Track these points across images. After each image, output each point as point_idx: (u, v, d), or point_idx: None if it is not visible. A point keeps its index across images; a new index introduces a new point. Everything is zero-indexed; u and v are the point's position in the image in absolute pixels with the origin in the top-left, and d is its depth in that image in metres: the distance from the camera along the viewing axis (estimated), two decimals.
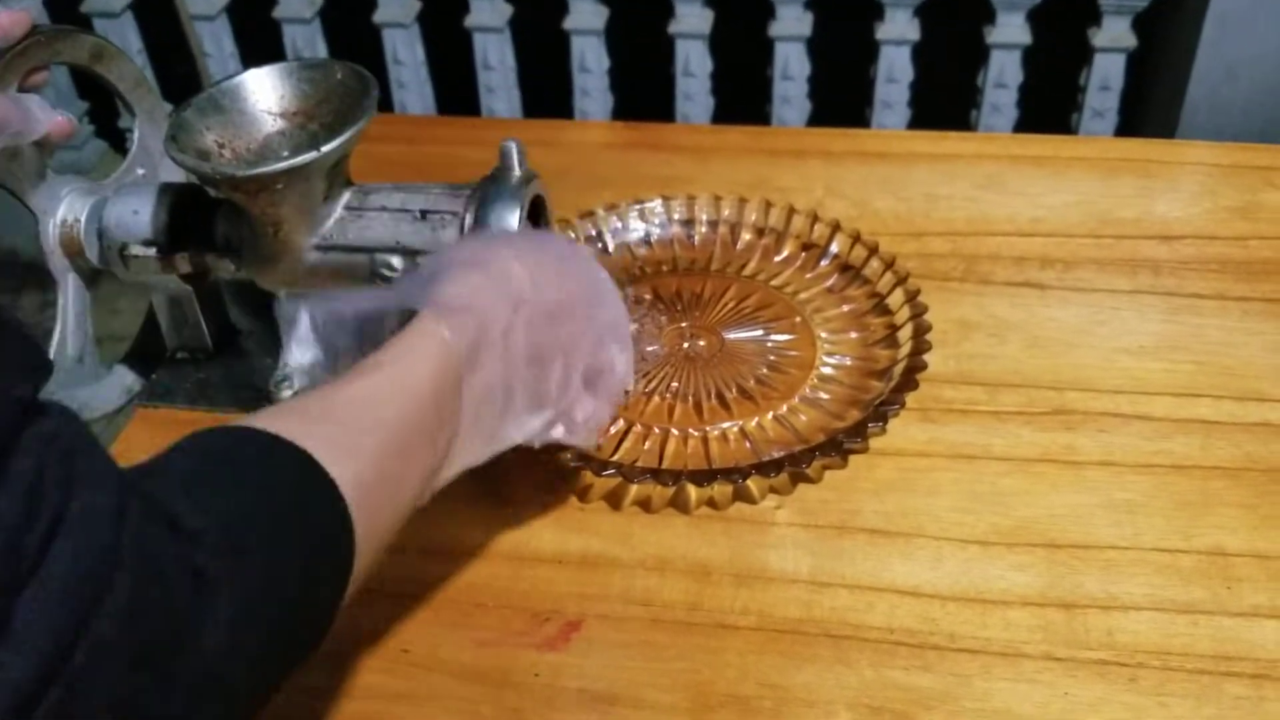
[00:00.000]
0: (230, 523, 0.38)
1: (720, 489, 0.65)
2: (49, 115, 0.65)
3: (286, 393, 0.71)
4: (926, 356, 0.68)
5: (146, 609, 0.33)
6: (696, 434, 0.68)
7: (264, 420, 0.43)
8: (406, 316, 0.51)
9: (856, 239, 0.78)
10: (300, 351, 0.53)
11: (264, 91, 0.66)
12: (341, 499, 0.42)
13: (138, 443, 0.71)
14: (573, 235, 0.80)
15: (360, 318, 0.52)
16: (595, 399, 0.59)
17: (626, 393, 0.65)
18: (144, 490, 0.35)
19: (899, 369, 0.68)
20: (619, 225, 0.82)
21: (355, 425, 0.45)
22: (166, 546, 0.35)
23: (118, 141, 1.90)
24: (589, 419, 0.58)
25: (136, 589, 0.33)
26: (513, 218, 0.63)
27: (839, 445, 0.64)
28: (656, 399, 0.70)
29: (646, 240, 0.82)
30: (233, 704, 0.38)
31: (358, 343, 0.52)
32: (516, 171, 0.65)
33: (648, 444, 0.68)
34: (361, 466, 0.43)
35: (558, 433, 0.57)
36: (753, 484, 0.64)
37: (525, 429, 0.55)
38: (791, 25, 1.54)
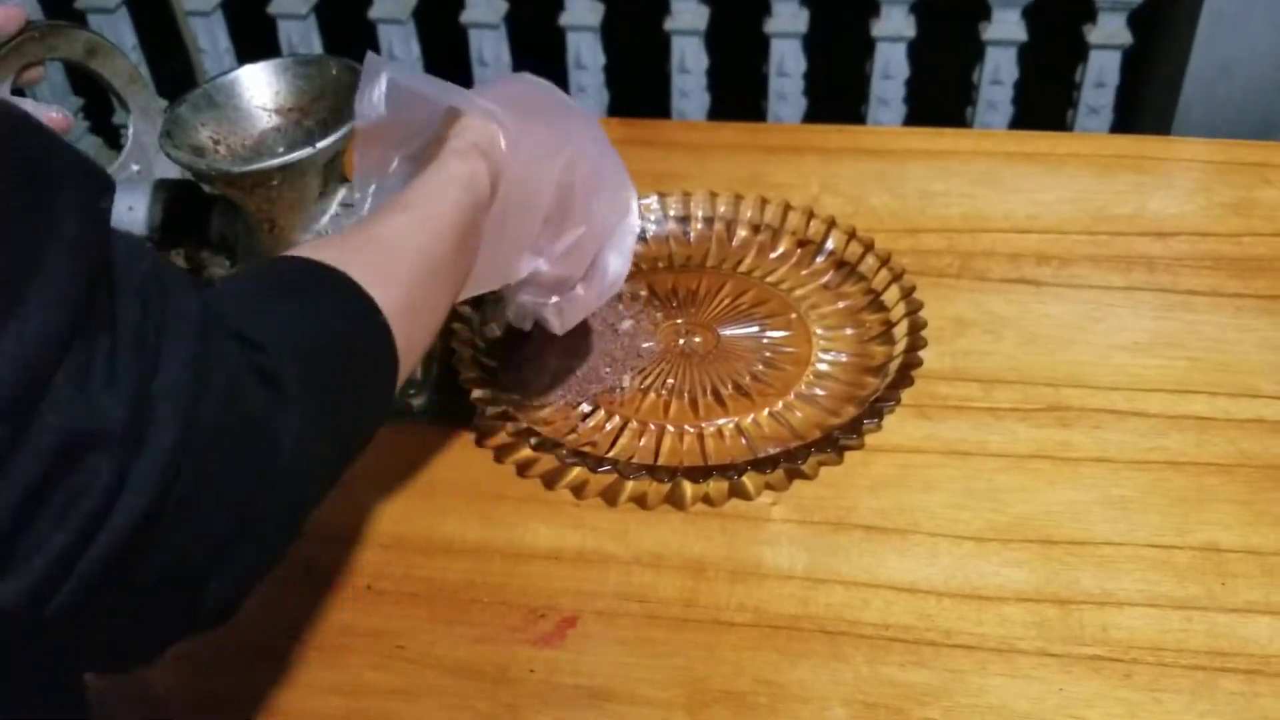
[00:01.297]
0: (293, 337, 0.42)
1: (716, 485, 0.65)
2: (41, 116, 0.64)
3: None
4: (922, 353, 0.68)
5: (236, 403, 0.37)
6: (692, 430, 0.68)
7: (310, 250, 0.47)
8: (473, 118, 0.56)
9: (852, 235, 0.78)
10: (368, 104, 0.56)
11: (259, 87, 0.66)
12: (382, 316, 0.46)
13: None
14: None
15: (431, 101, 0.56)
16: (589, 286, 0.63)
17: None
18: (216, 311, 0.39)
19: (894, 365, 0.68)
20: None
21: (391, 255, 0.49)
22: (241, 358, 0.38)
23: (112, 138, 1.90)
24: (579, 301, 0.63)
25: (228, 385, 0.37)
26: None
27: (834, 442, 0.64)
28: (652, 395, 0.70)
29: (642, 237, 0.82)
30: (303, 491, 0.42)
31: (419, 120, 0.57)
32: None
33: (643, 440, 0.68)
34: (398, 291, 0.48)
35: (546, 309, 0.63)
36: (748, 480, 0.65)
37: (525, 268, 0.60)
38: (787, 22, 1.54)
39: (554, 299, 0.63)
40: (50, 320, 0.31)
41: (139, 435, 0.33)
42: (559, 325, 0.64)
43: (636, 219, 0.65)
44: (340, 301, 0.46)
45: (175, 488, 0.34)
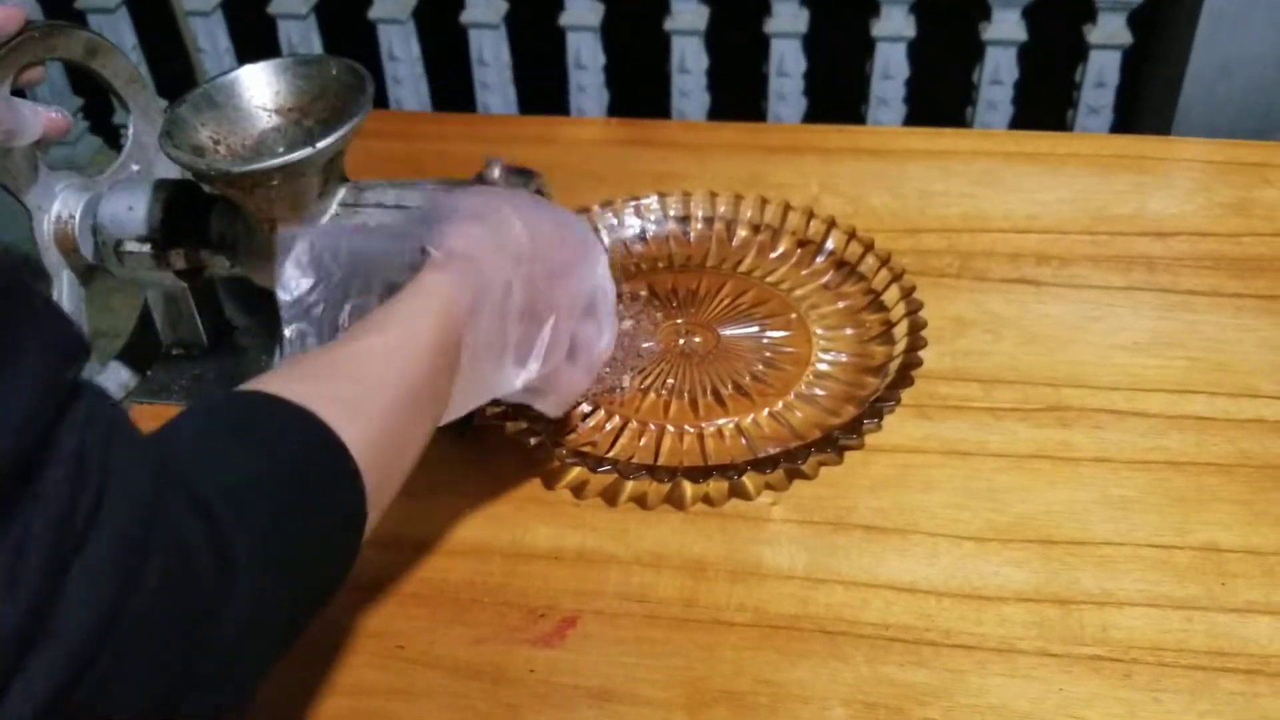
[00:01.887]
0: (244, 495, 0.39)
1: (716, 485, 0.65)
2: (40, 119, 0.64)
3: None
4: (922, 353, 0.68)
5: (176, 588, 0.35)
6: (692, 430, 0.68)
7: (273, 383, 0.44)
8: (402, 257, 0.52)
9: (852, 235, 0.78)
10: (295, 278, 0.53)
11: (259, 87, 0.66)
12: (352, 460, 0.43)
13: None
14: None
15: (356, 254, 0.54)
16: (575, 368, 0.60)
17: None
18: (169, 463, 0.37)
19: (894, 365, 0.68)
20: (615, 222, 0.82)
21: (363, 385, 0.46)
22: (194, 525, 0.36)
23: (112, 137, 1.90)
24: (568, 386, 0.60)
25: (169, 568, 0.34)
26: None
27: (834, 442, 0.64)
28: (652, 395, 0.70)
29: (642, 237, 0.82)
30: (255, 663, 0.40)
31: (352, 277, 0.54)
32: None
33: (643, 440, 0.68)
34: (370, 427, 0.45)
35: (538, 400, 0.59)
36: (748, 480, 0.65)
37: (511, 383, 0.56)
38: (787, 22, 1.54)
39: (550, 396, 0.60)
40: None
41: (34, 640, 0.30)
42: (557, 413, 0.62)
43: (608, 279, 0.61)
44: (306, 446, 0.42)
45: (84, 683, 0.32)
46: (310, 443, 0.42)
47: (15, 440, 0.30)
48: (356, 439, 0.43)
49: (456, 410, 0.53)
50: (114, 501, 0.33)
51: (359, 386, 0.46)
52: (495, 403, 0.66)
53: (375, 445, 0.44)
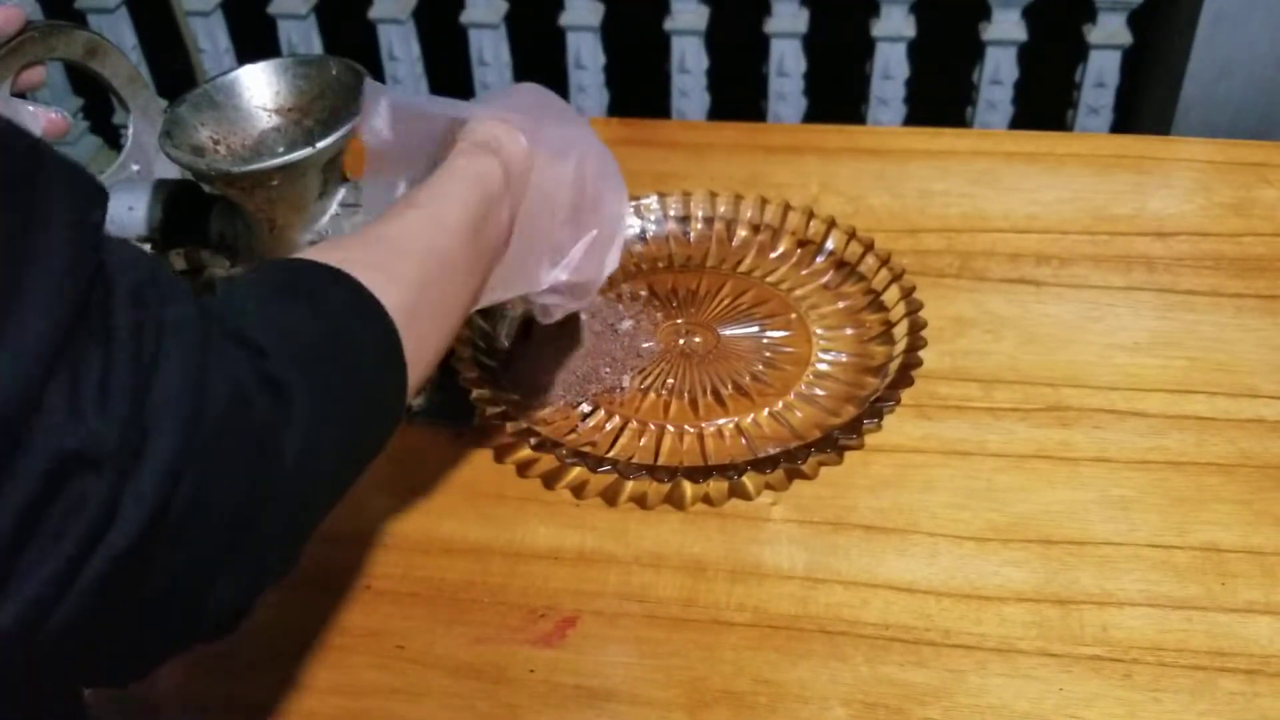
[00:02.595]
0: (298, 340, 0.41)
1: (716, 485, 0.65)
2: (39, 121, 0.64)
3: None
4: (922, 353, 0.68)
5: (239, 412, 0.36)
6: (692, 430, 0.68)
7: (315, 253, 0.46)
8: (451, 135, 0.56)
9: (852, 235, 0.78)
10: (372, 130, 0.56)
11: (259, 87, 0.66)
12: (391, 320, 0.45)
13: None
14: None
15: (435, 117, 0.57)
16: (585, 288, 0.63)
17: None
18: (217, 314, 0.39)
19: (894, 365, 0.68)
20: None
21: (399, 255, 0.48)
22: (243, 362, 0.38)
23: (112, 138, 1.90)
24: (567, 299, 0.62)
25: (232, 393, 0.36)
26: None
27: (834, 442, 0.64)
28: (652, 395, 0.70)
29: (642, 236, 0.82)
30: (310, 502, 0.42)
31: (424, 139, 0.57)
32: None
33: (643, 440, 0.68)
34: (406, 292, 0.47)
35: (554, 301, 0.62)
36: (748, 480, 0.65)
37: (540, 283, 0.59)
38: (787, 22, 1.54)
39: (570, 302, 0.62)
40: (38, 340, 0.31)
41: (134, 453, 0.32)
42: (549, 319, 0.64)
43: (629, 217, 0.65)
44: (345, 303, 0.45)
45: (174, 502, 0.33)
46: (351, 301, 0.45)
47: (74, 281, 0.32)
48: (393, 301, 0.45)
49: (494, 295, 0.56)
50: (173, 331, 0.35)
51: (394, 256, 0.48)
52: (494, 402, 0.66)
53: (411, 311, 0.46)
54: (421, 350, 0.48)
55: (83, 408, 0.31)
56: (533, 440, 0.65)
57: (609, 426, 0.68)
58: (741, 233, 0.81)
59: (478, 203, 0.53)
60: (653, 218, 0.82)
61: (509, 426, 0.66)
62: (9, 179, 0.31)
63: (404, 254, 0.49)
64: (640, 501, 0.65)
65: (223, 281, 0.45)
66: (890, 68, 1.54)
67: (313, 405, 0.40)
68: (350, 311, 0.45)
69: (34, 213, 0.32)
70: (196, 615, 0.37)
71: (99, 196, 0.35)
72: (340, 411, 0.42)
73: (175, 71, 1.74)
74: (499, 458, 0.68)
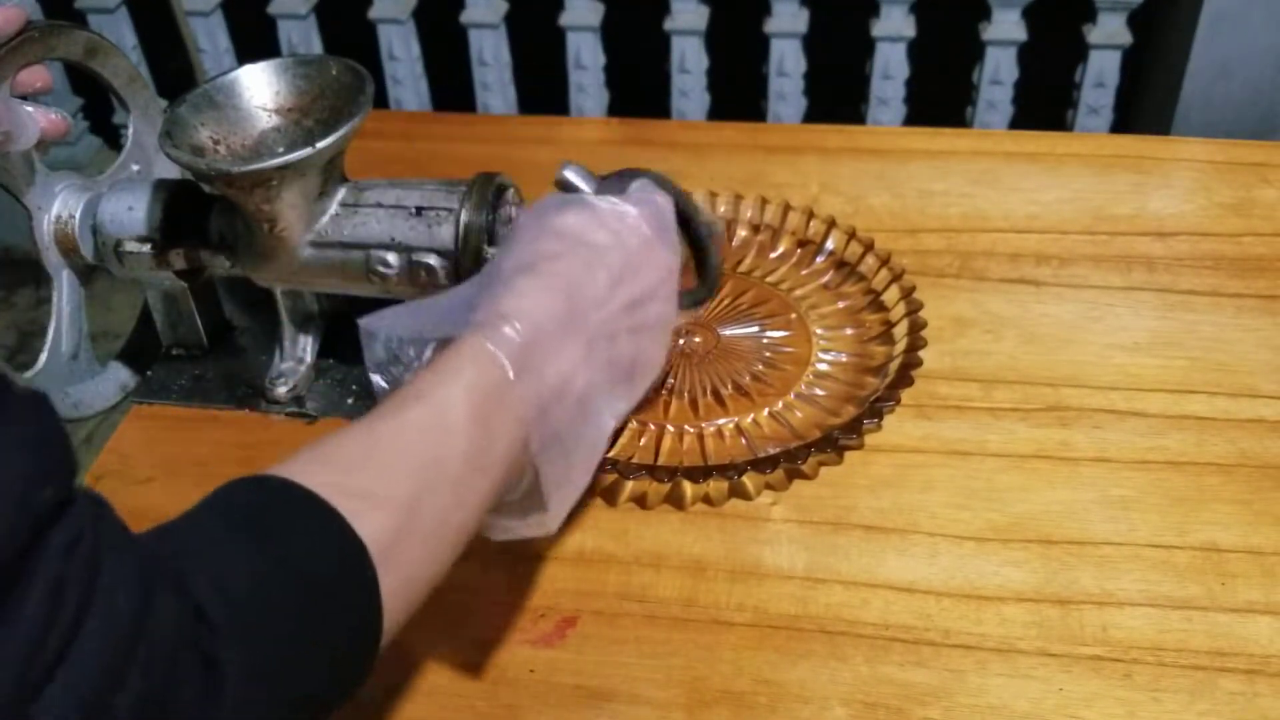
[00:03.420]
0: (243, 597, 0.37)
1: (716, 485, 0.65)
2: (38, 123, 0.64)
3: (282, 389, 0.71)
4: (922, 353, 0.68)
5: (158, 701, 0.34)
6: (692, 430, 0.68)
7: (292, 468, 0.42)
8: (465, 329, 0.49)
9: (852, 235, 0.78)
10: (378, 379, 0.50)
11: (259, 87, 0.66)
12: (369, 560, 0.40)
13: (132, 439, 0.71)
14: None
15: (429, 335, 0.50)
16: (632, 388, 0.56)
17: (660, 389, 0.68)
18: (166, 568, 0.35)
19: (894, 365, 0.68)
20: None
21: (390, 471, 0.43)
22: (183, 636, 0.35)
23: (112, 137, 1.90)
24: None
25: (149, 683, 0.33)
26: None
27: (834, 441, 0.64)
28: (652, 395, 0.70)
29: None
30: None
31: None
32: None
33: (643, 440, 0.68)
34: (396, 515, 0.42)
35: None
36: (748, 480, 0.65)
37: (613, 418, 0.53)
38: (787, 22, 1.54)
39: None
40: None
41: None
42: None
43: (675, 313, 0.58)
44: (312, 543, 0.40)
45: None
46: (322, 538, 0.40)
47: None
48: (378, 532, 0.41)
49: (562, 471, 0.49)
50: (95, 621, 0.32)
51: (383, 471, 0.43)
52: None
53: (400, 537, 0.42)
54: (414, 582, 0.43)
55: None
56: None
57: None
58: (741, 233, 0.81)
59: (484, 384, 0.46)
60: None
61: None
62: None
63: (397, 464, 0.43)
64: (640, 501, 0.65)
65: (193, 507, 0.40)
66: (890, 68, 1.54)
67: (249, 682, 0.36)
68: (318, 554, 0.40)
69: None
70: None
71: (59, 471, 0.32)
72: (286, 680, 0.38)
73: (175, 71, 1.74)
74: None
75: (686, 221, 0.60)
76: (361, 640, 0.41)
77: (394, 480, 0.43)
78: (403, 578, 0.42)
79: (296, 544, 0.40)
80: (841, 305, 0.75)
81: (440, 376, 0.46)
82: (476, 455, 0.45)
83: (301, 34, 1.67)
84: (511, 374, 0.46)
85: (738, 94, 1.67)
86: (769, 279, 0.78)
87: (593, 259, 0.52)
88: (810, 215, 0.80)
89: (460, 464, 0.45)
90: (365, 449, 0.44)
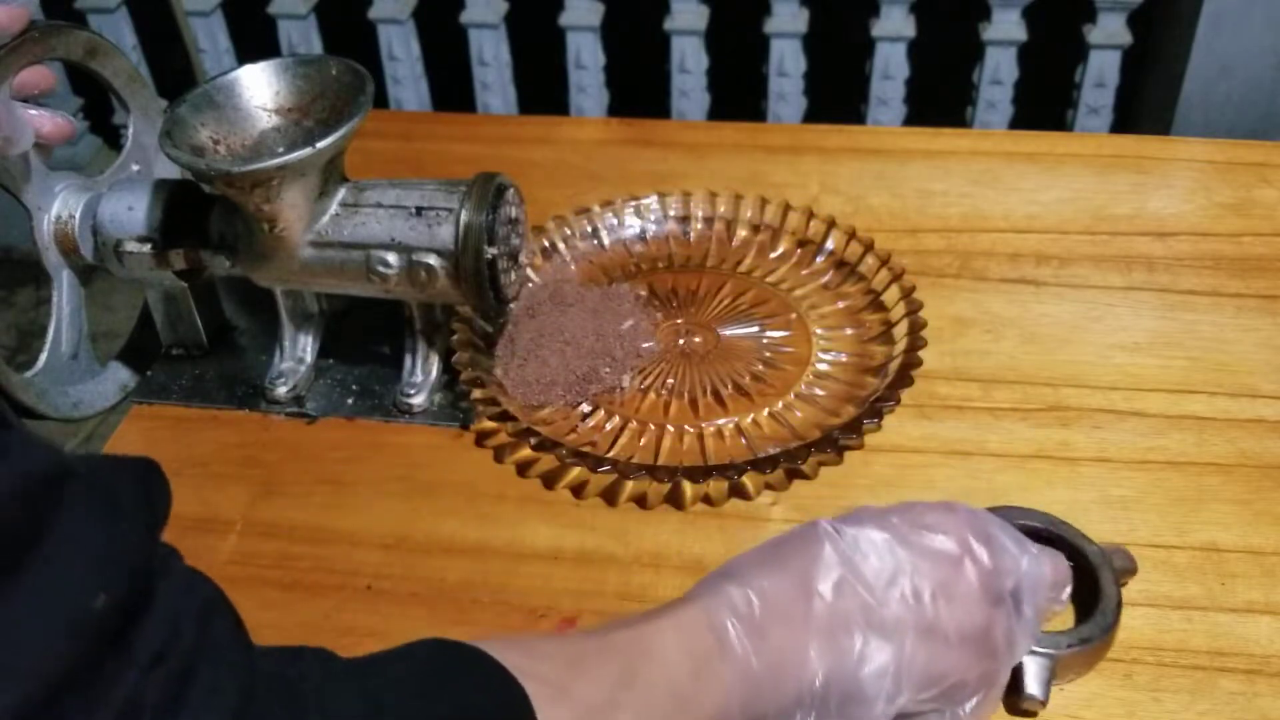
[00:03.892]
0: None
1: (716, 485, 0.65)
2: (38, 126, 0.64)
3: (282, 389, 0.71)
4: (922, 353, 0.68)
5: None
6: (692, 430, 0.68)
7: (494, 645, 0.41)
8: None
9: (852, 235, 0.78)
10: None
11: (259, 87, 0.66)
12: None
13: (132, 440, 0.71)
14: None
15: None
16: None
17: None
18: (278, 686, 0.33)
19: (894, 365, 0.68)
20: (614, 222, 0.82)
21: (581, 675, 0.41)
22: None
23: (112, 137, 1.90)
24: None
25: None
26: None
27: (834, 442, 0.64)
28: (652, 395, 0.70)
29: (642, 237, 0.82)
30: None
31: None
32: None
33: (643, 440, 0.68)
34: (573, 712, 0.40)
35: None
36: (748, 480, 0.65)
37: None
38: (787, 22, 1.54)
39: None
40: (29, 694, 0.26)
41: None
42: None
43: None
44: (487, 697, 0.38)
45: None
46: (496, 696, 0.38)
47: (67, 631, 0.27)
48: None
49: None
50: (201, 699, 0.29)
51: (576, 672, 0.41)
52: (493, 402, 0.66)
53: None
54: None
55: None
56: (533, 440, 0.65)
57: (609, 426, 0.68)
58: (741, 233, 0.81)
59: (701, 635, 0.44)
60: (653, 218, 0.82)
61: (509, 426, 0.66)
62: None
63: (591, 672, 0.41)
64: (640, 501, 0.65)
65: (393, 652, 0.38)
66: (890, 68, 1.54)
67: None
68: (491, 703, 0.39)
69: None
70: None
71: (124, 575, 0.29)
72: None
73: (175, 71, 1.74)
74: (499, 458, 0.68)
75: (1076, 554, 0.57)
76: None
77: (585, 683, 0.41)
78: None
79: (467, 698, 0.38)
80: (841, 305, 0.75)
81: (663, 615, 0.45)
82: (682, 691, 0.43)
83: (301, 34, 1.67)
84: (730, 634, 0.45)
85: (738, 94, 1.67)
86: (769, 279, 0.78)
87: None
88: (810, 215, 0.80)
89: (659, 693, 0.43)
90: (572, 653, 0.43)
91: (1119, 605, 0.55)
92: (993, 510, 0.55)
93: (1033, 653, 0.52)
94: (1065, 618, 0.57)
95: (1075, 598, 0.56)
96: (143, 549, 0.31)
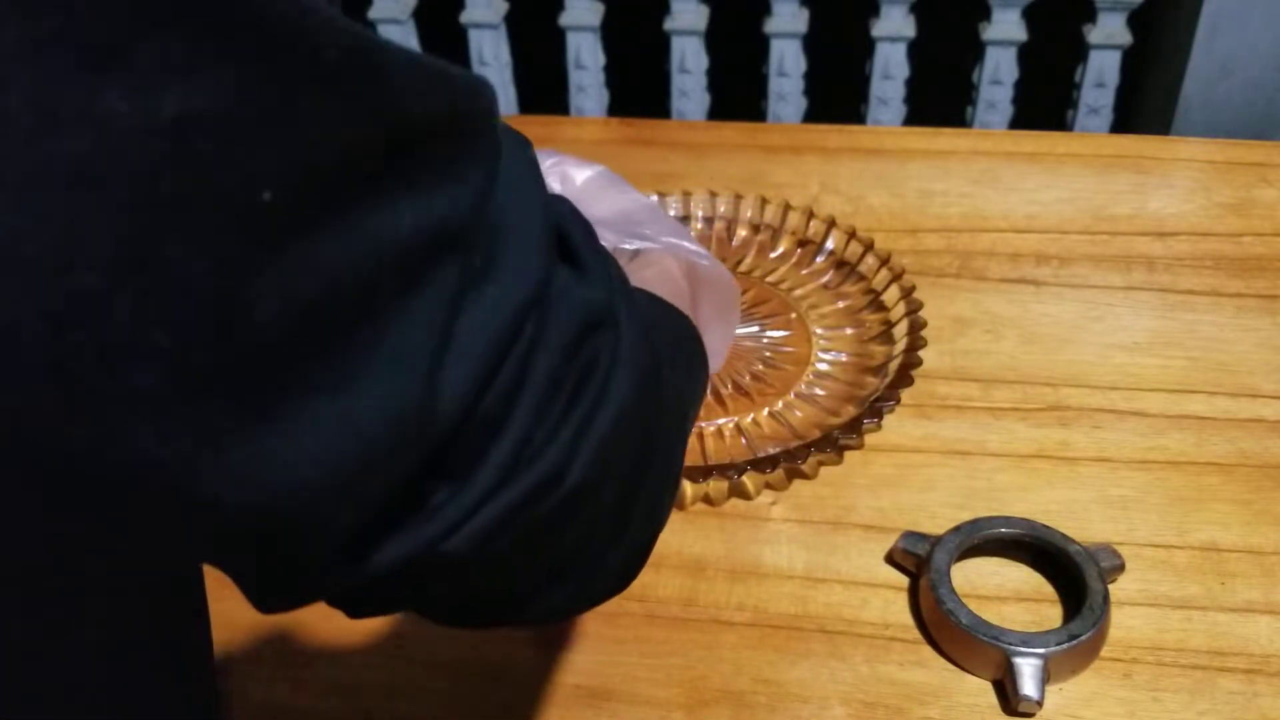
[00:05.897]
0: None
1: (716, 485, 0.65)
2: None
3: None
4: (922, 353, 0.68)
5: (650, 399, 0.35)
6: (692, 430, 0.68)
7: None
8: None
9: (852, 235, 0.78)
10: None
11: None
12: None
13: None
14: None
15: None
16: None
17: None
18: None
19: (894, 365, 0.68)
20: None
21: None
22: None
23: None
24: None
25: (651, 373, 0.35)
26: None
27: (834, 441, 0.64)
28: None
29: None
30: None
31: None
32: None
33: None
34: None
35: None
36: (748, 480, 0.65)
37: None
38: (787, 22, 1.54)
39: None
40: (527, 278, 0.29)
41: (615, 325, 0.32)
42: None
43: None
44: (685, 323, 0.45)
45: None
46: (689, 324, 0.45)
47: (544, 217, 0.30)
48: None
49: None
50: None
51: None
52: None
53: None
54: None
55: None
56: None
57: None
58: (741, 232, 0.81)
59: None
60: None
61: None
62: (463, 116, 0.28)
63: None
64: None
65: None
66: (890, 68, 1.54)
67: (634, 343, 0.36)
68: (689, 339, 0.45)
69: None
70: (590, 571, 0.36)
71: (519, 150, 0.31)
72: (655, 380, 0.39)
73: None
74: None
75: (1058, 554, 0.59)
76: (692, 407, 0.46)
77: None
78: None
79: (676, 324, 0.44)
80: (841, 305, 0.75)
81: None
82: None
83: None
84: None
85: (738, 94, 1.67)
86: (769, 279, 0.78)
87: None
88: (810, 215, 0.80)
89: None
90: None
91: (1106, 600, 0.56)
92: (970, 523, 0.59)
93: (1025, 653, 0.53)
94: (1054, 618, 0.57)
95: (1063, 597, 0.58)
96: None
